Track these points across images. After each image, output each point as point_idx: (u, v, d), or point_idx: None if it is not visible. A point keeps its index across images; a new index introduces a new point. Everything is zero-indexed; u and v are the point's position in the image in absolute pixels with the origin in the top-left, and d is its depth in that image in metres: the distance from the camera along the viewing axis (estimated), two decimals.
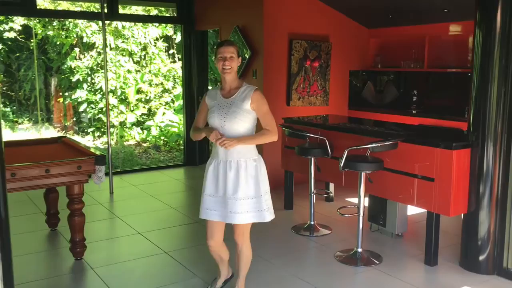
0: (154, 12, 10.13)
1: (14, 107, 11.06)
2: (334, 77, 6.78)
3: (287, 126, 4.93)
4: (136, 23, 10.22)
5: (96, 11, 9.30)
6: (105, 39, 6.29)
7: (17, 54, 10.86)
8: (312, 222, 4.84)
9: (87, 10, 9.52)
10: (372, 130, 4.56)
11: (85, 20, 9.71)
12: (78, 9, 9.59)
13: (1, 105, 10.75)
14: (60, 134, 10.34)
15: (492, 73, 3.65)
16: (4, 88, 11.18)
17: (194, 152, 7.83)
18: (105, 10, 6.56)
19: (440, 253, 4.09)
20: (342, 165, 3.90)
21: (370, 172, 4.02)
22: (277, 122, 3.21)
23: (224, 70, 2.99)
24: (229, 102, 3.02)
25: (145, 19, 8.88)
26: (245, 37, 6.37)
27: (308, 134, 4.59)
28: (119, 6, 7.07)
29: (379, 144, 3.82)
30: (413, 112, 6.49)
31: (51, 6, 9.30)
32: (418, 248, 4.34)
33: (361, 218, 4.10)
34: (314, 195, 4.86)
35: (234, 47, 3.03)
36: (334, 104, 6.82)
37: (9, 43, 10.45)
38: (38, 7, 6.57)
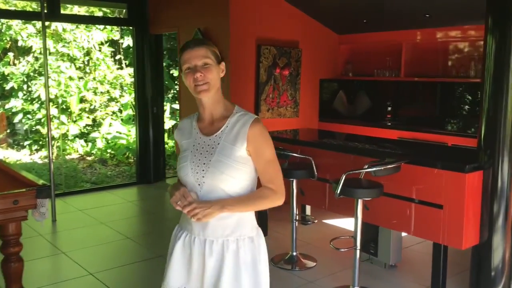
0: (99, 13, 9.24)
1: None
2: (304, 87, 6.25)
3: None
4: (79, 26, 9.28)
5: (33, 10, 8.25)
6: (45, 42, 5.42)
7: None
8: (295, 253, 4.24)
9: (24, 10, 8.39)
10: (368, 149, 4.02)
11: (21, 21, 8.67)
12: (13, 8, 8.49)
13: None
14: None
15: (507, 83, 3.22)
16: None
17: (148, 168, 7.04)
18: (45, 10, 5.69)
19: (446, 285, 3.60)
20: (339, 191, 3.32)
21: (369, 199, 3.48)
22: None
23: (197, 88, 1.82)
24: (212, 142, 1.85)
25: (91, 20, 7.97)
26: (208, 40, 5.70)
27: (292, 154, 3.99)
28: (61, 6, 6.20)
29: (382, 168, 3.28)
30: (388, 124, 6.07)
31: None
32: (419, 282, 3.84)
33: (357, 252, 3.54)
34: (297, 222, 4.26)
35: (207, 48, 1.84)
36: (304, 116, 6.29)
37: None
38: None
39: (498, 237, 3.36)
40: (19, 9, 8.19)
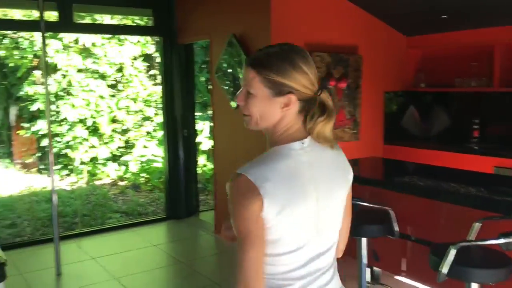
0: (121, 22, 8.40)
1: None
2: (366, 102, 5.03)
3: None
4: (110, 40, 8.49)
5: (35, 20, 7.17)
6: (45, 56, 4.49)
7: None
8: None
9: (29, 19, 7.35)
10: (476, 195, 2.74)
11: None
12: (17, 16, 7.58)
13: None
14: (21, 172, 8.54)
15: None
16: None
17: (179, 200, 5.99)
18: (56, 18, 4.82)
19: None
20: (445, 271, 2.10)
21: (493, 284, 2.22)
22: None
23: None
24: None
25: (111, 30, 7.02)
26: (245, 49, 4.62)
27: (361, 203, 2.79)
28: (74, 14, 5.29)
29: None
30: (475, 148, 4.75)
31: None
32: None
33: None
34: None
35: (258, 73, 1.34)
36: (366, 139, 5.06)
37: None
38: None
39: None
40: (29, 18, 7.30)
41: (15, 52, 8.22)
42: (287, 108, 1.33)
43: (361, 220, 2.84)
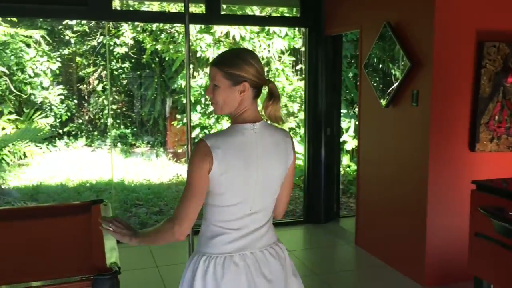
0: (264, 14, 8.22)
1: (135, 129, 10.16)
2: None
3: (494, 212, 2.45)
4: (259, 34, 8.41)
5: (198, 12, 7.19)
6: (188, 48, 4.43)
7: (138, 72, 9.98)
8: None
9: (179, 11, 7.51)
10: None
11: (196, 31, 8.13)
12: (174, 10, 7.79)
13: (121, 126, 9.95)
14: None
15: None
16: (124, 109, 10.40)
17: (318, 202, 5.60)
18: (203, 11, 4.76)
19: None
20: None
21: None
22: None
23: None
24: None
25: (255, 21, 6.87)
26: (400, 39, 4.01)
27: None
28: (221, 7, 5.18)
29: None
30: None
31: (141, 8, 7.75)
32: None
33: None
34: None
35: (218, 69, 1.71)
36: None
37: (130, 60, 9.55)
38: (113, 8, 4.92)
39: None
40: (177, 11, 7.46)
41: (171, 46, 8.61)
42: (244, 94, 1.69)
43: None
